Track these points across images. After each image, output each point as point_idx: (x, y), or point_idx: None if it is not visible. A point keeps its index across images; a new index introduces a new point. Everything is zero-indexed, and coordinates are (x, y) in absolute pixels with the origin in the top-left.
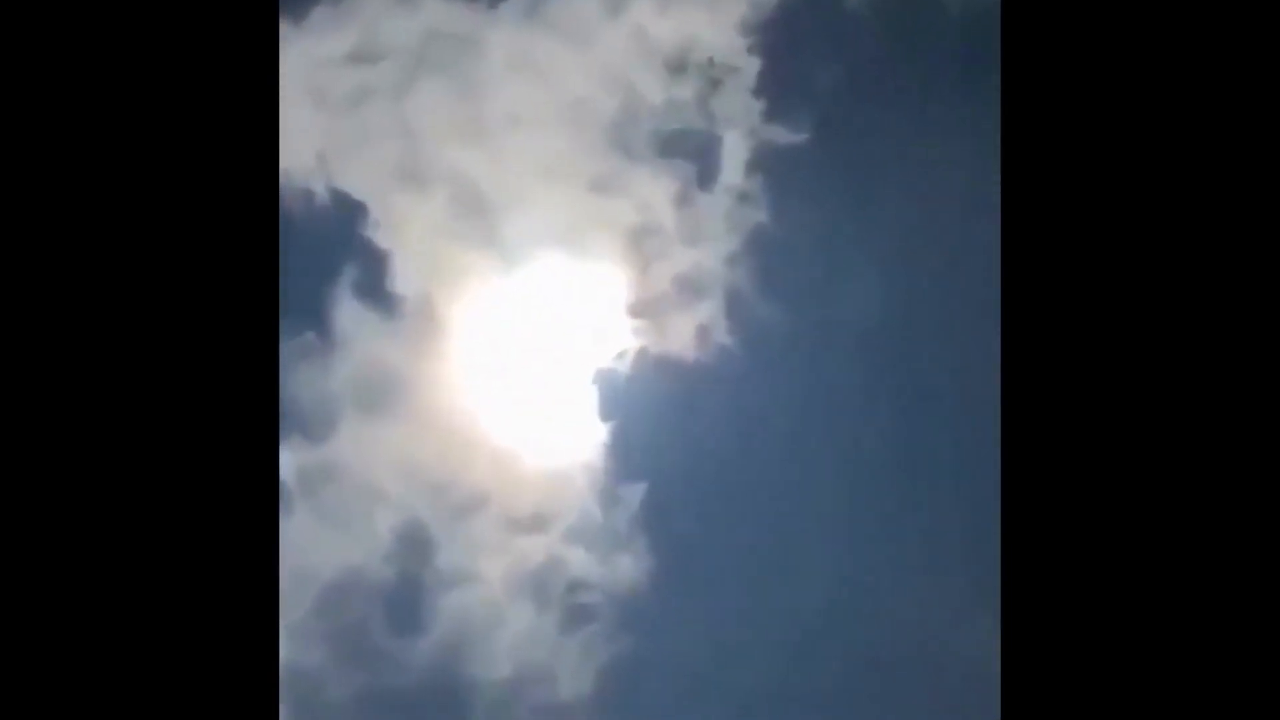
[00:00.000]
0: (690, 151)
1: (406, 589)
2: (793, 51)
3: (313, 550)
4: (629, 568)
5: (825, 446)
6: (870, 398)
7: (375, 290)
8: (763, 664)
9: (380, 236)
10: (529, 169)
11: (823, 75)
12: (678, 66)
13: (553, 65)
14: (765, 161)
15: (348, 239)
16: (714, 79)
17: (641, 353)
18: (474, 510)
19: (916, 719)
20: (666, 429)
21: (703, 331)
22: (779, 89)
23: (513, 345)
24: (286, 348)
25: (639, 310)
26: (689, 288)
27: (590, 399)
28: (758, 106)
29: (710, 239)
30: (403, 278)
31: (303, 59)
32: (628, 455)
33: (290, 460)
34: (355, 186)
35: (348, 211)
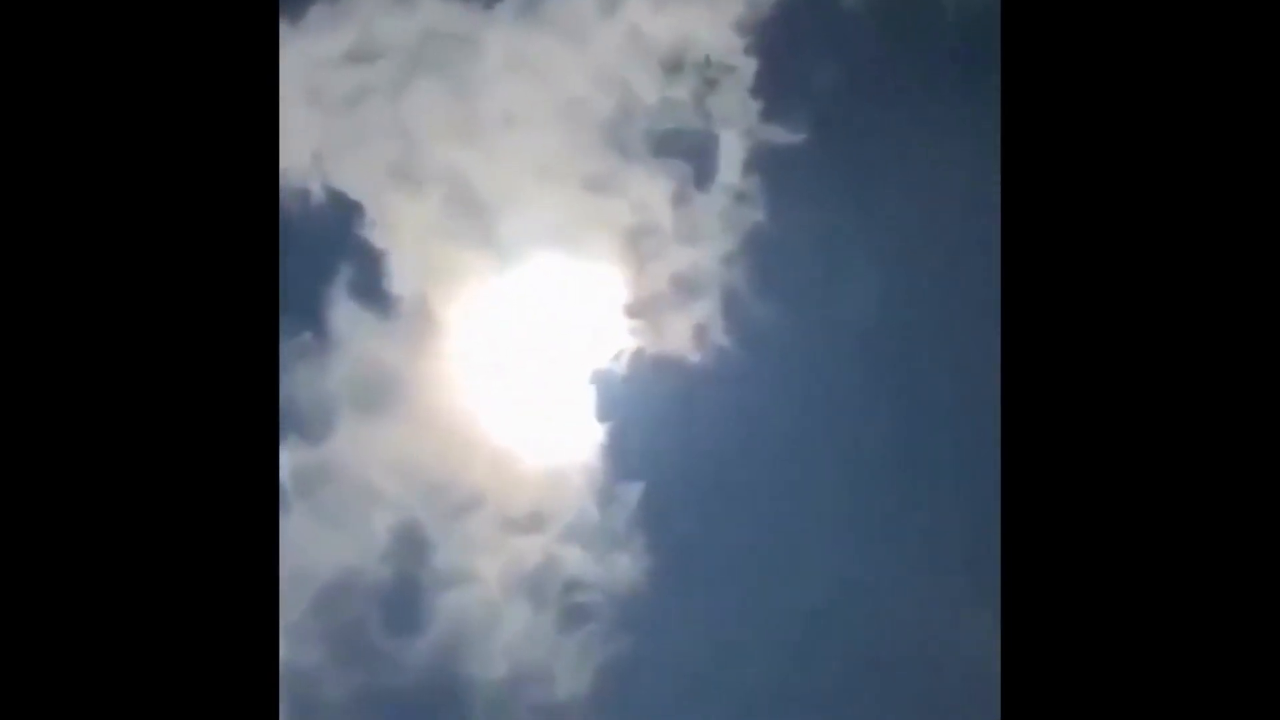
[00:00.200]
0: (687, 151)
1: (404, 589)
2: (790, 51)
3: (310, 550)
4: (626, 567)
5: (823, 446)
6: (868, 397)
7: (371, 290)
8: (760, 663)
9: (376, 236)
10: (525, 169)
11: (820, 75)
12: (674, 66)
13: (549, 65)
14: (762, 161)
15: (344, 239)
16: (710, 78)
17: (638, 353)
18: (471, 510)
19: (916, 719)
20: (663, 429)
21: (699, 331)
22: (776, 88)
23: (509, 345)
24: (283, 348)
25: (636, 310)
26: (686, 288)
27: (587, 399)
28: (754, 106)
29: (707, 239)
30: (399, 277)
31: (299, 58)
32: (625, 455)
33: (287, 460)
34: (351, 186)
35: (344, 211)
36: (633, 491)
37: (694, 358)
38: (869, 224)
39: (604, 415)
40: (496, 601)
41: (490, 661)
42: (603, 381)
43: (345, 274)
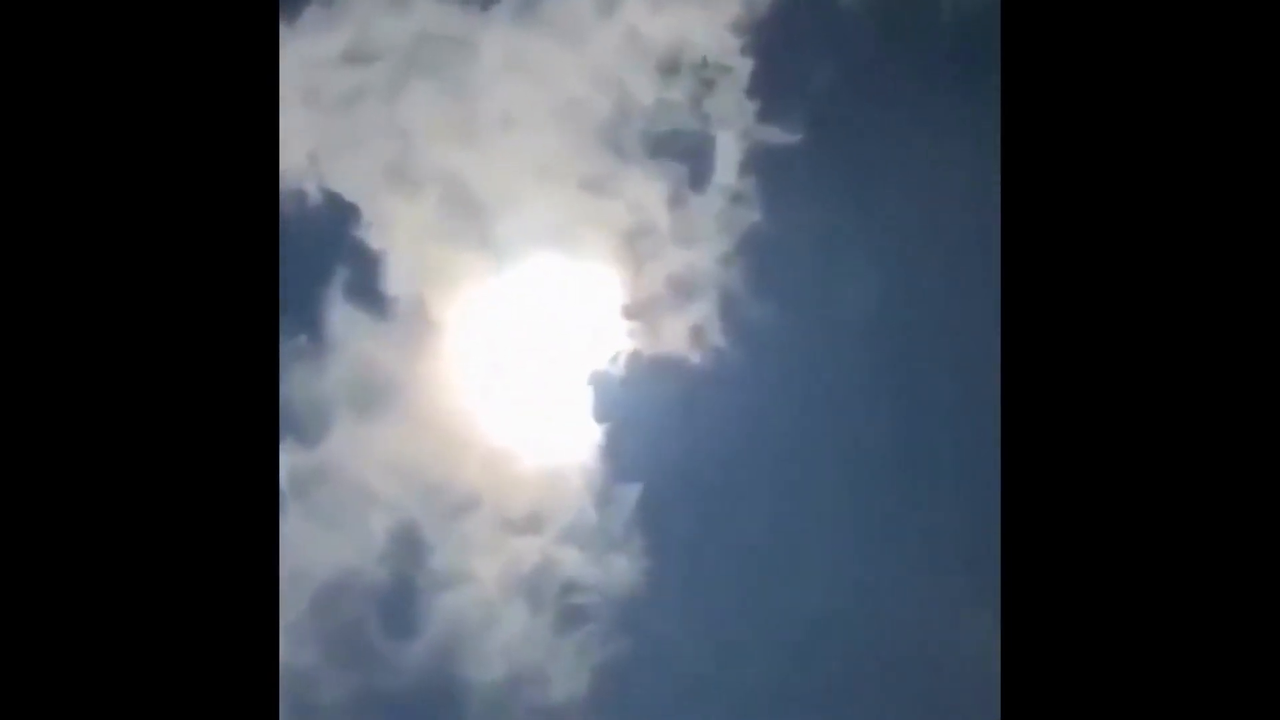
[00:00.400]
0: (683, 152)
1: (401, 590)
2: (786, 51)
3: (307, 551)
4: (624, 569)
5: (821, 446)
6: (866, 398)
7: (368, 291)
8: (758, 664)
9: (373, 237)
10: (522, 170)
11: (816, 75)
12: (671, 67)
13: (545, 66)
14: (758, 162)
15: (340, 240)
16: (707, 79)
17: (636, 354)
18: (468, 511)
19: (916, 719)
20: (661, 430)
21: (697, 332)
22: (772, 89)
23: (506, 346)
24: (280, 349)
25: (633, 311)
26: (682, 289)
27: (585, 400)
28: (751, 107)
29: (704, 240)
30: (396, 278)
31: (296, 59)
32: (622, 456)
33: (284, 462)
34: (348, 187)
35: (340, 212)
36: (630, 493)
37: (691, 359)
38: (867, 224)
39: (601, 416)
40: (494, 603)
41: (487, 663)
42: (600, 382)
43: (342, 275)
